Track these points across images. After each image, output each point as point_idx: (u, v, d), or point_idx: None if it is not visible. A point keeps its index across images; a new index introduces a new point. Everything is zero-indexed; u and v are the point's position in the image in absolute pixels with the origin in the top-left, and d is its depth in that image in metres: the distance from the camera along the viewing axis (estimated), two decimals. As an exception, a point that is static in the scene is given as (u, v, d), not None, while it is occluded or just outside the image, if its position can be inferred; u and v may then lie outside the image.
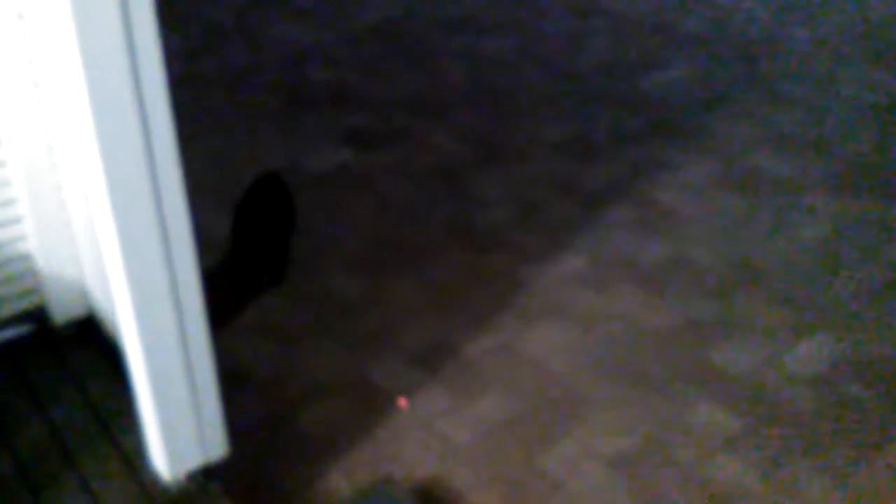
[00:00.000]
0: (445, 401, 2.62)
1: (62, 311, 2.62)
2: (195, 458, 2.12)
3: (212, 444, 2.13)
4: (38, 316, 2.62)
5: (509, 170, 3.92)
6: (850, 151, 4.01)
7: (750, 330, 2.90)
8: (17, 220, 2.46)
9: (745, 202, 3.62)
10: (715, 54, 5.13)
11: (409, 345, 2.85)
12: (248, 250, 3.08)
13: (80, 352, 2.56)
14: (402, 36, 5.52)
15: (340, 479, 2.34)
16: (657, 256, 3.29)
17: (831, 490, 2.30)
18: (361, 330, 2.93)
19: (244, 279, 3.09)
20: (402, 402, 2.58)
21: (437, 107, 4.55)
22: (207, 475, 2.15)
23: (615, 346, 2.84)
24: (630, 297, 3.07)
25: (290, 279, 3.16)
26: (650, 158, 3.98)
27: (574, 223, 3.50)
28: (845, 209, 3.56)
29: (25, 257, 2.52)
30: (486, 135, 4.24)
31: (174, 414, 2.02)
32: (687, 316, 2.97)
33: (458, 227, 3.51)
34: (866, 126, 4.24)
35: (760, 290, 3.08)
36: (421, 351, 2.83)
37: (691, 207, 3.59)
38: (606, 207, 3.60)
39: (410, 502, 2.16)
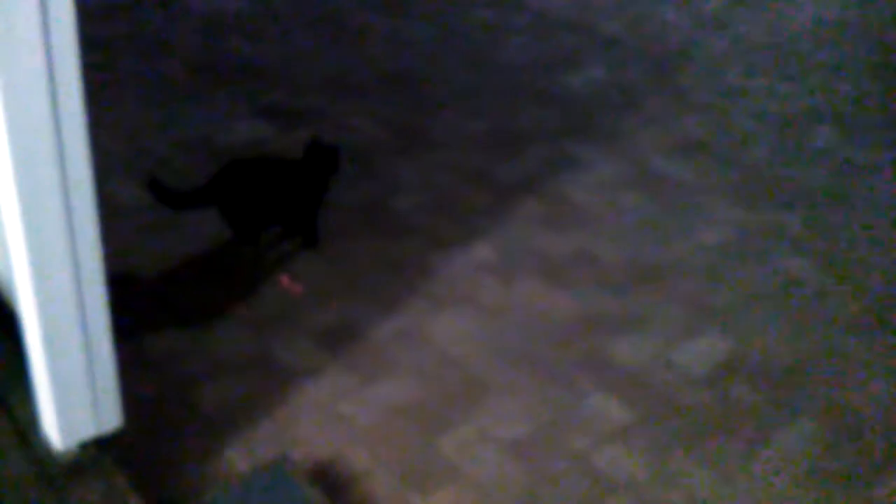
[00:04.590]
0: (349, 382, 2.64)
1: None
2: (88, 429, 2.08)
3: (106, 414, 2.09)
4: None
5: (425, 157, 3.94)
6: (751, 160, 4.18)
7: (646, 326, 3.01)
8: None
9: (649, 204, 3.75)
10: (630, 58, 5.26)
11: (315, 326, 2.86)
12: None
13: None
14: (326, 12, 5.47)
15: (237, 456, 2.33)
16: (563, 251, 3.37)
17: (713, 482, 2.41)
18: (267, 309, 2.91)
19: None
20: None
21: (357, 88, 4.54)
22: (101, 447, 2.12)
23: (518, 335, 2.91)
24: (535, 289, 3.14)
25: (196, 255, 3.13)
26: (563, 155, 4.07)
27: (486, 214, 3.56)
28: (742, 215, 3.72)
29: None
30: (404, 121, 4.26)
31: (68, 381, 1.97)
32: (587, 310, 3.06)
33: (371, 211, 3.52)
34: (768, 137, 4.42)
35: (658, 289, 3.20)
36: (327, 332, 2.83)
37: (599, 206, 3.69)
38: (518, 200, 3.67)
39: (307, 481, 2.18)
